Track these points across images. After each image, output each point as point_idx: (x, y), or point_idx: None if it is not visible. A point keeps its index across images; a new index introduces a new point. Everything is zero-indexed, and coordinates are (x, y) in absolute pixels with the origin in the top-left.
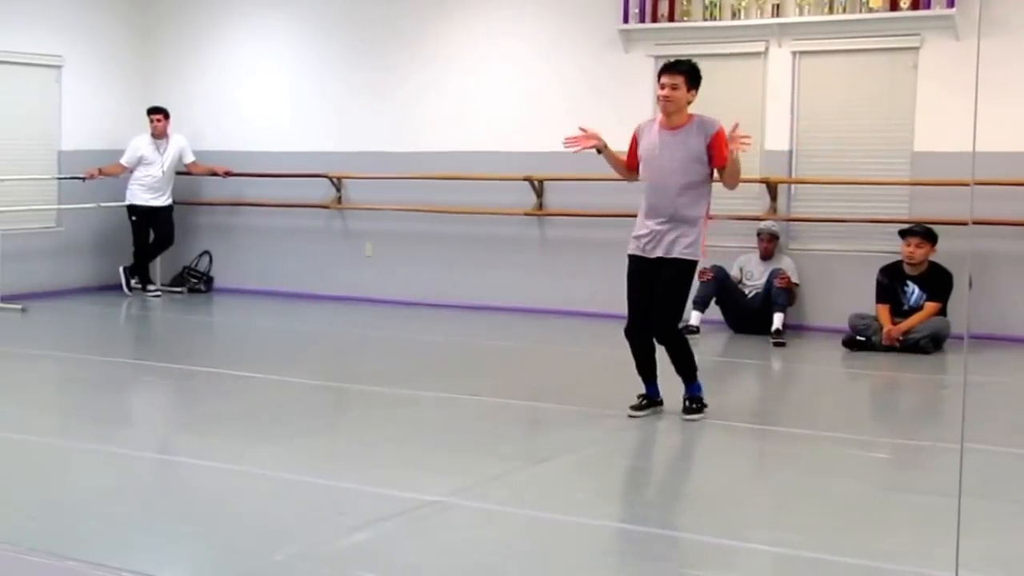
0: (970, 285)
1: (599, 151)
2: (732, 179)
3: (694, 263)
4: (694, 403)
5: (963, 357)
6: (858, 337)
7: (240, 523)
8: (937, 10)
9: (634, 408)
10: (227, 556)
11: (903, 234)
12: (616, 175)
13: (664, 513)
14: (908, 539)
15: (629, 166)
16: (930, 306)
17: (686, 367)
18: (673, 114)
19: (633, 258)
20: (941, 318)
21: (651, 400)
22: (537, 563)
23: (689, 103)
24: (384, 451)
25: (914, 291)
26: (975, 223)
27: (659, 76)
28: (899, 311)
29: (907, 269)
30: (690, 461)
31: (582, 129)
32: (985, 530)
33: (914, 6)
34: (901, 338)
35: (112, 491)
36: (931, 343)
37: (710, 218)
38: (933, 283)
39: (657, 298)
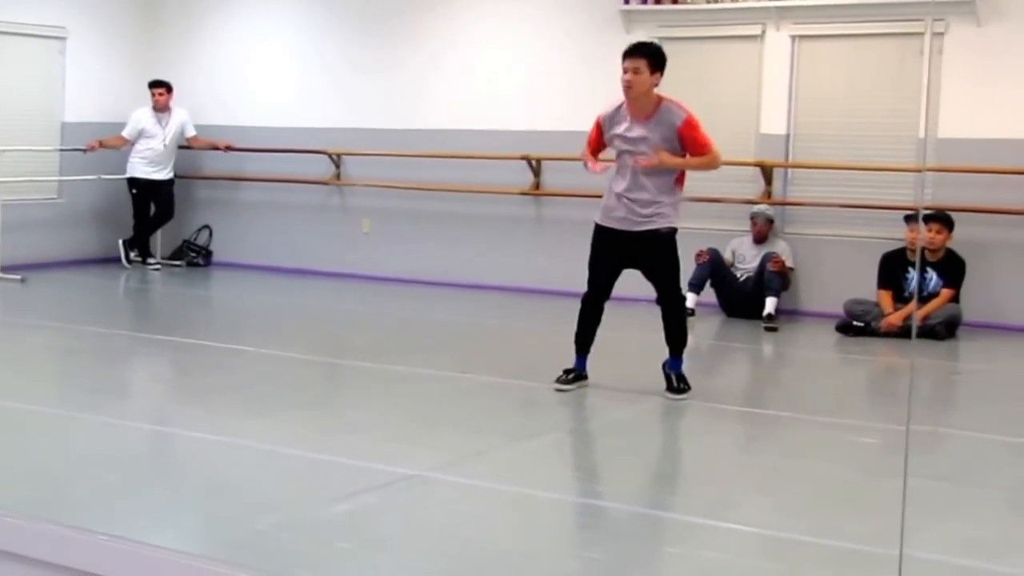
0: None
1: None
2: (703, 167)
3: (675, 230)
4: (681, 382)
5: (914, 342)
6: (855, 323)
7: (224, 493)
8: None
9: (561, 382)
10: (209, 524)
11: (909, 219)
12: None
13: (644, 492)
14: (887, 521)
15: (592, 152)
16: (946, 292)
17: (680, 337)
18: (637, 99)
19: (603, 229)
20: (955, 305)
21: (578, 374)
22: (512, 538)
23: (654, 86)
24: (369, 426)
25: (932, 277)
26: (972, 211)
27: (622, 59)
28: (900, 297)
29: (910, 255)
30: (675, 441)
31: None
32: (962, 515)
33: None
34: (900, 325)
35: (101, 459)
36: (945, 329)
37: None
38: (950, 269)
39: (657, 271)
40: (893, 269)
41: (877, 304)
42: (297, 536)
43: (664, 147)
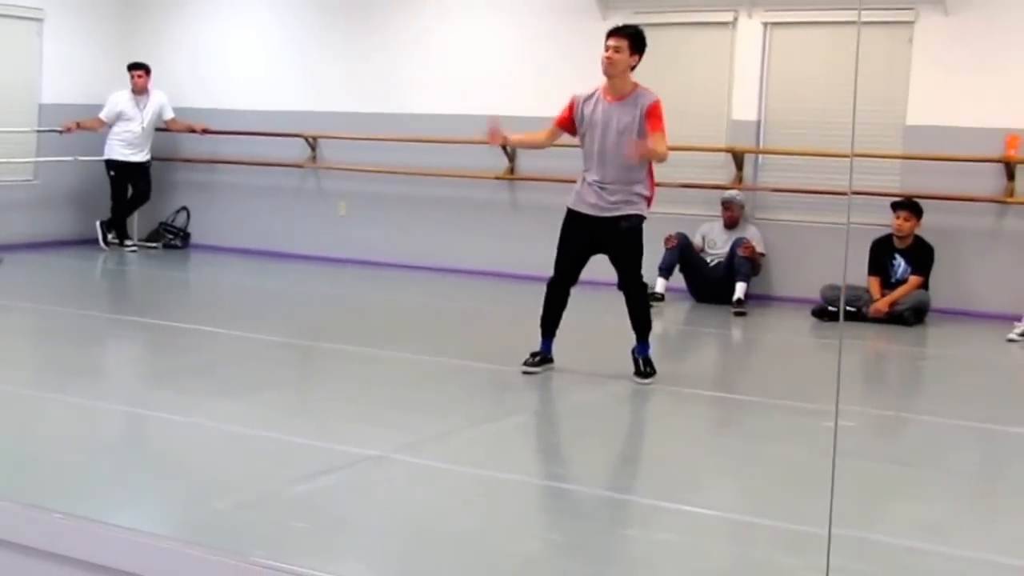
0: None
1: (505, 146)
2: (653, 154)
3: (643, 218)
4: (648, 366)
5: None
6: (830, 308)
7: (185, 473)
8: None
9: (528, 365)
10: (169, 503)
11: (896, 207)
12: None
13: (606, 474)
14: (845, 504)
15: (559, 123)
16: (914, 279)
17: (643, 321)
18: (615, 78)
19: (574, 214)
20: (923, 291)
21: (544, 357)
22: (470, 519)
23: (632, 68)
24: (335, 407)
25: (900, 264)
26: (946, 198)
27: (606, 38)
28: (887, 283)
29: (896, 243)
30: (639, 425)
31: (491, 129)
32: (915, 498)
33: None
34: (887, 310)
35: (65, 439)
36: (913, 315)
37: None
38: (918, 256)
39: (621, 258)
40: (880, 255)
41: (867, 290)
42: (255, 515)
43: (635, 127)
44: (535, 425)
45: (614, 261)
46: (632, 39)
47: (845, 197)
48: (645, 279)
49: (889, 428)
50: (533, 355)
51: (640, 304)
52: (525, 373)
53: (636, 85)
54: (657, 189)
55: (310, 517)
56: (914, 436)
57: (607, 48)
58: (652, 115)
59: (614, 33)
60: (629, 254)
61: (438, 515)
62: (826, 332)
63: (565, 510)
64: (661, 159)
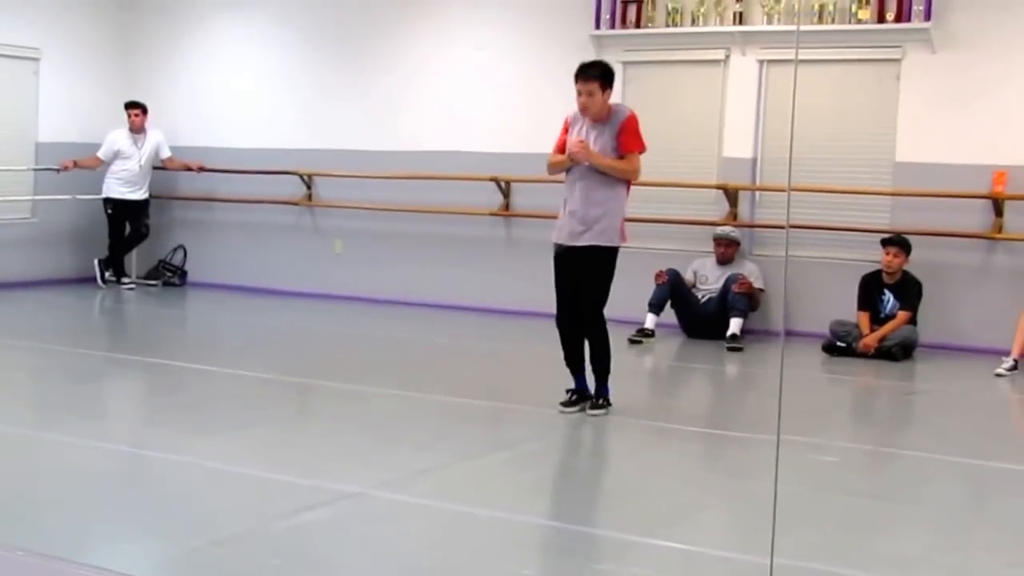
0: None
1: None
2: (620, 173)
3: (613, 249)
4: (599, 399)
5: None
6: (838, 343)
7: (165, 511)
8: (916, 23)
9: (564, 404)
10: (146, 541)
11: (885, 243)
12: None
13: (582, 509)
14: (822, 538)
15: (560, 148)
16: (902, 315)
17: (601, 363)
18: (593, 115)
19: (556, 246)
20: (911, 327)
21: (581, 394)
22: (445, 555)
23: (607, 101)
24: (320, 444)
25: (889, 299)
26: (936, 234)
27: (575, 79)
28: (876, 319)
29: (885, 278)
30: (620, 460)
31: (581, 142)
32: (886, 531)
33: (897, 19)
34: (876, 345)
35: (46, 477)
36: (901, 351)
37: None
38: (906, 292)
39: (581, 286)
40: (870, 291)
41: (857, 325)
42: (231, 553)
43: (609, 152)
44: (519, 461)
45: (577, 289)
46: (601, 79)
47: (845, 233)
48: (639, 316)
49: (871, 463)
50: (569, 392)
51: (598, 343)
52: (562, 412)
53: (611, 107)
54: (648, 226)
55: (287, 555)
56: (896, 471)
57: (579, 93)
58: (625, 131)
59: (582, 77)
60: (592, 282)
61: (416, 551)
62: (819, 367)
63: (541, 546)
64: (626, 176)
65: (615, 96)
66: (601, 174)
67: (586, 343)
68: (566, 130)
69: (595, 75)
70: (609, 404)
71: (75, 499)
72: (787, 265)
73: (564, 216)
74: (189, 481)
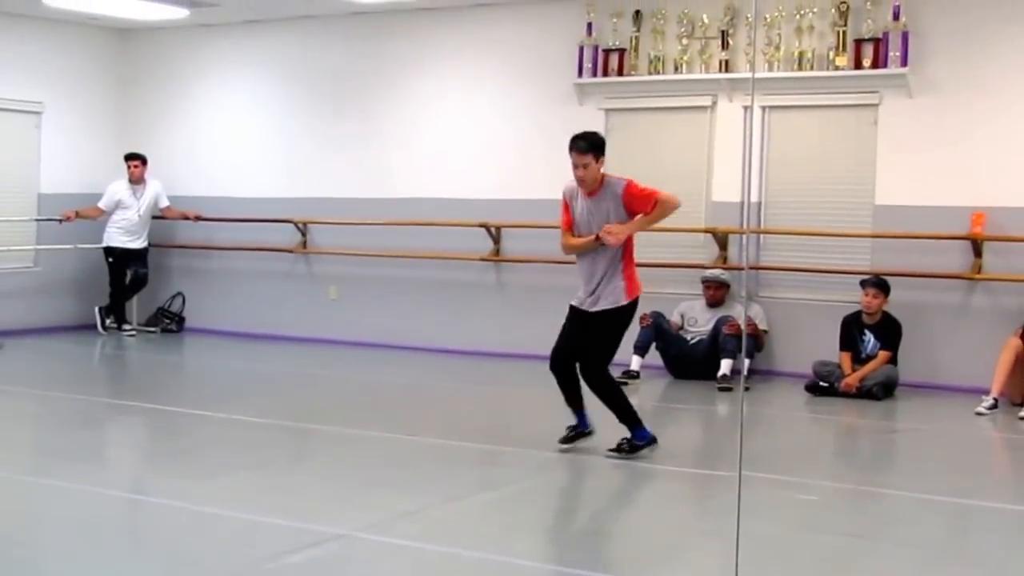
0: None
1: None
2: (661, 217)
3: (620, 309)
4: (624, 443)
5: (738, 394)
6: (821, 383)
7: (152, 555)
8: (892, 69)
9: (563, 440)
10: None
11: (864, 284)
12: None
13: (566, 550)
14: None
15: (568, 227)
16: (882, 355)
17: (621, 413)
18: (588, 188)
19: (572, 307)
20: (891, 366)
21: (579, 431)
22: None
23: (600, 170)
24: (308, 487)
25: (870, 339)
26: (916, 275)
27: (569, 150)
28: (858, 358)
29: (865, 319)
30: (605, 501)
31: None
32: (863, 570)
33: (874, 65)
34: (858, 385)
35: (35, 521)
36: (882, 390)
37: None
38: (886, 332)
39: (590, 343)
40: (851, 331)
41: (839, 365)
42: None
43: (613, 218)
44: (506, 502)
45: (582, 342)
46: (593, 151)
47: (835, 275)
48: (625, 358)
49: (853, 502)
50: (568, 428)
51: (607, 397)
52: (561, 449)
53: (603, 176)
54: (636, 269)
55: None
56: (875, 509)
57: (575, 166)
58: (634, 198)
59: (575, 150)
60: (596, 338)
61: None
62: (802, 406)
63: None
64: (669, 210)
65: None
66: (601, 247)
67: (581, 380)
68: (567, 207)
69: (585, 148)
70: (635, 449)
71: (72, 544)
72: (746, 307)
73: (581, 288)
74: (177, 525)
